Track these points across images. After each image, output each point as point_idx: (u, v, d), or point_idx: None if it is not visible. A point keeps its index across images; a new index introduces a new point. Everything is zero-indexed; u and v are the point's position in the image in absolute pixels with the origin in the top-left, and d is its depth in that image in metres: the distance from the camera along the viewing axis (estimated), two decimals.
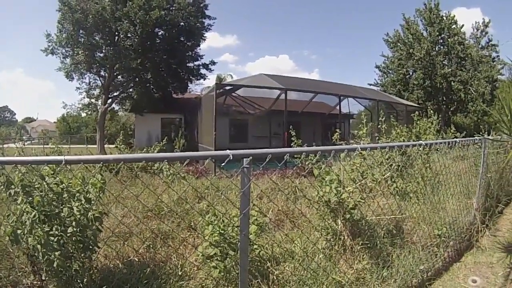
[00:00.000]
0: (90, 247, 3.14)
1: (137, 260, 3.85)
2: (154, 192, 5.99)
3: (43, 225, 2.79)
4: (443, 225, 4.48)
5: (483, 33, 30.53)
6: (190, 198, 6.48)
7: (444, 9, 30.39)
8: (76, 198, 3.05)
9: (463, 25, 29.91)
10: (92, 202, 3.17)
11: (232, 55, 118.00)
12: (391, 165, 5.90)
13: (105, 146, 25.51)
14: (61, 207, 2.94)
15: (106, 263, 3.73)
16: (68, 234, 2.90)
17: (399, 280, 3.56)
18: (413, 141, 8.41)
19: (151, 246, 4.23)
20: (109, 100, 25.98)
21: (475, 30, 30.80)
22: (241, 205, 2.27)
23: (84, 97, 26.91)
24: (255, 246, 3.59)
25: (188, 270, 3.67)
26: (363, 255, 3.83)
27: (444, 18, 30.02)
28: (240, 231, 2.30)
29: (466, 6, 70.61)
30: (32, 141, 43.58)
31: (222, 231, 3.28)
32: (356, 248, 3.85)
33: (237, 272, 3.05)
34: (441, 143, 4.40)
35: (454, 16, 30.19)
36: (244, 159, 2.16)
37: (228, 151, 2.04)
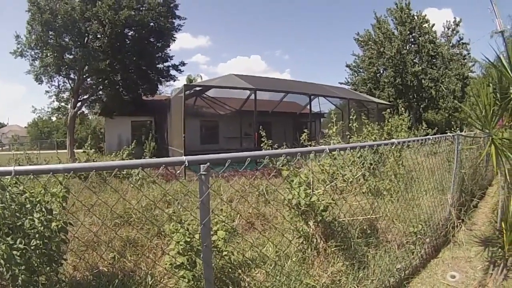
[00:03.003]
0: (56, 259, 2.98)
1: (106, 270, 3.68)
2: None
3: (7, 238, 2.61)
4: (419, 222, 4.47)
5: (454, 31, 31.28)
6: (159, 204, 6.28)
7: (415, 9, 30.98)
8: (37, 209, 2.88)
9: (434, 24, 30.58)
10: (55, 212, 3.01)
11: (204, 56, 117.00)
12: (363, 163, 5.85)
13: (75, 151, 24.83)
14: (23, 218, 2.78)
15: (75, 274, 3.55)
16: (32, 247, 2.73)
17: (376, 281, 3.50)
18: (385, 138, 8.43)
19: (120, 254, 4.04)
20: (79, 104, 25.31)
21: (446, 29, 31.55)
22: (200, 215, 2.10)
23: (53, 101, 26.30)
24: (224, 253, 3.44)
25: (159, 279, 3.53)
26: (337, 257, 3.73)
27: (415, 17, 30.59)
28: (202, 242, 2.14)
29: (437, 7, 71.66)
30: (3, 148, 42.27)
31: (188, 239, 3.10)
32: (329, 251, 3.75)
33: None
34: (414, 141, 4.35)
35: (425, 15, 30.87)
36: (201, 165, 2.00)
37: (183, 157, 1.87)
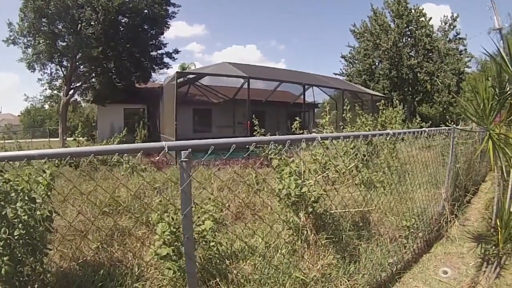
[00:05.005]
0: (40, 249, 2.87)
1: (92, 260, 3.58)
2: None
3: None
4: (412, 216, 4.40)
5: (451, 26, 31.22)
6: (148, 192, 6.16)
7: (412, 3, 30.91)
8: (21, 198, 2.76)
9: (431, 18, 30.55)
10: (39, 201, 2.90)
11: (199, 45, 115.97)
12: (356, 154, 5.76)
13: (68, 139, 24.63)
14: (7, 207, 2.65)
15: (62, 264, 3.43)
16: (15, 237, 2.62)
17: (367, 275, 3.42)
18: (379, 130, 8.35)
19: (106, 244, 3.93)
20: (71, 91, 25.14)
21: (443, 23, 31.48)
22: (182, 205, 1.97)
23: (46, 89, 26.00)
24: (212, 244, 3.33)
25: (146, 269, 3.42)
26: (328, 250, 3.64)
27: (413, 10, 30.50)
28: (183, 235, 2.01)
29: (435, 3, 71.79)
30: None
31: (174, 229, 2.99)
32: (320, 243, 3.66)
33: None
34: (409, 132, 4.26)
35: (423, 9, 30.77)
36: (182, 151, 1.87)
37: (163, 143, 1.75)
